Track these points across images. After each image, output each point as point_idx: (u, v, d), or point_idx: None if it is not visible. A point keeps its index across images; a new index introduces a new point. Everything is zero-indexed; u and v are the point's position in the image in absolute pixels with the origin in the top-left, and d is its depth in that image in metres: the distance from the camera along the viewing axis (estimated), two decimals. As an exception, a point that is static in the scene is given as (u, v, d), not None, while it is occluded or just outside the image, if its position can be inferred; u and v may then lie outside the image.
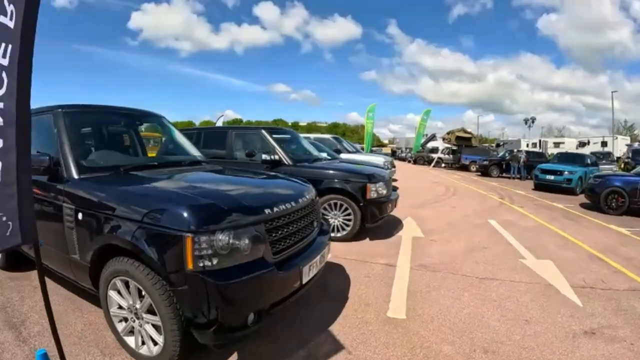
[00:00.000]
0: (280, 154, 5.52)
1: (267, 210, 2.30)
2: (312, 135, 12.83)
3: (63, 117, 2.84)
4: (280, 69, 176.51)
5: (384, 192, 5.30)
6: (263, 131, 5.85)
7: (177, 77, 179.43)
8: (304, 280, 2.47)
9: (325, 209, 5.20)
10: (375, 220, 5.19)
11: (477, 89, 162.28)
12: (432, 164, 27.38)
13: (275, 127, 6.56)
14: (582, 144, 28.81)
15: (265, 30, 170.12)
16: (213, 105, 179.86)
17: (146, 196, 2.32)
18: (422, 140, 31.61)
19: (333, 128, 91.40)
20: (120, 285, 2.24)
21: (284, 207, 2.46)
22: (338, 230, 5.20)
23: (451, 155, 26.96)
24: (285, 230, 2.44)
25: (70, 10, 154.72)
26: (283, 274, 2.25)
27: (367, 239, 5.32)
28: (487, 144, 41.53)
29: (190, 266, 1.91)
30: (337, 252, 4.70)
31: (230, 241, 2.01)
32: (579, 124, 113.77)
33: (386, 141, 79.77)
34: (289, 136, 6.63)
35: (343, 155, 11.13)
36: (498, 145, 34.99)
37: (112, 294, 2.31)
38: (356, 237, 5.20)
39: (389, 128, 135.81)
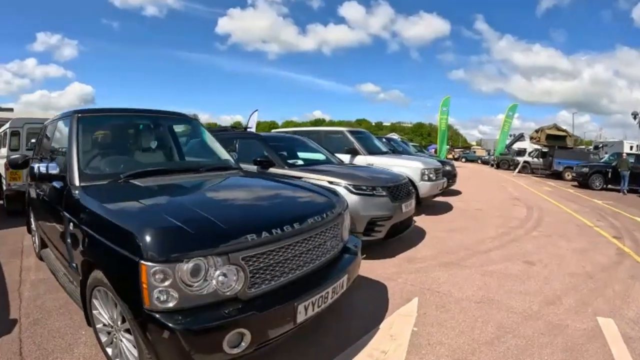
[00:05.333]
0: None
1: None
2: (322, 129, 9.28)
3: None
4: (368, 68, 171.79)
5: (234, 287, 1.74)
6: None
7: (266, 78, 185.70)
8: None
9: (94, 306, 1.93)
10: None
11: (571, 87, 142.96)
12: (517, 170, 22.07)
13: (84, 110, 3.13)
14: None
15: (351, 29, 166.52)
16: (302, 107, 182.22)
17: None
18: (508, 141, 25.93)
19: (418, 129, 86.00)
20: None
21: None
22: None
23: (541, 159, 21.23)
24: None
25: (160, 18, 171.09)
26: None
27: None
28: (583, 146, 33.90)
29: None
30: None
31: None
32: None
33: (474, 143, 74.75)
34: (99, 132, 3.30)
35: (359, 159, 7.49)
36: (597, 148, 27.60)
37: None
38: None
39: (478, 129, 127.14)
